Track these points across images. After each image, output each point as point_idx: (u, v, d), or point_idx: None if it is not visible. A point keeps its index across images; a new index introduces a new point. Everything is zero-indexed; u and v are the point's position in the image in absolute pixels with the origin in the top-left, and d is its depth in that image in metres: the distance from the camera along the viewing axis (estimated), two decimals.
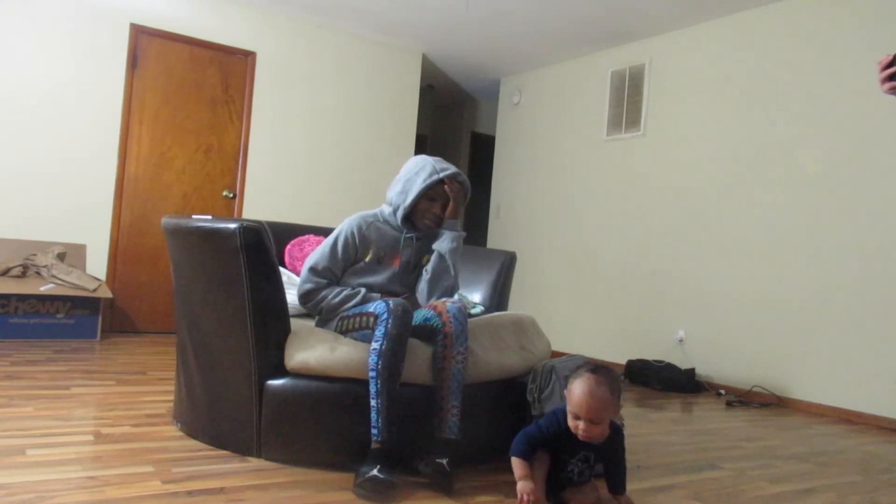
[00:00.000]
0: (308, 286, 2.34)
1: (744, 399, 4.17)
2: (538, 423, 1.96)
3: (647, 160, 5.16)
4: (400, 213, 2.37)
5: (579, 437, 1.85)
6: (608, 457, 1.96)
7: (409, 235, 2.41)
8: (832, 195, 4.03)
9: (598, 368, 1.89)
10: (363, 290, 2.32)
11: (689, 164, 4.86)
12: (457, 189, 2.39)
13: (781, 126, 4.31)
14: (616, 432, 1.96)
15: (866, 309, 3.82)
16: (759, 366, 4.29)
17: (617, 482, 1.96)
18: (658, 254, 5.01)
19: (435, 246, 2.40)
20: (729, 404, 4.01)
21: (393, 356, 2.05)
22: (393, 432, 2.04)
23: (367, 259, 2.38)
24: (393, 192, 2.41)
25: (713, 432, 3.22)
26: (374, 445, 2.03)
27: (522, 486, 1.83)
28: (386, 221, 2.42)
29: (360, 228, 2.37)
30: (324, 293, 2.32)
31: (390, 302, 2.12)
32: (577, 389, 1.84)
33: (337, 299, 2.30)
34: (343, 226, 2.39)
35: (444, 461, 2.04)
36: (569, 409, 1.88)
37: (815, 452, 2.96)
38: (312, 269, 2.35)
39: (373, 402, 2.05)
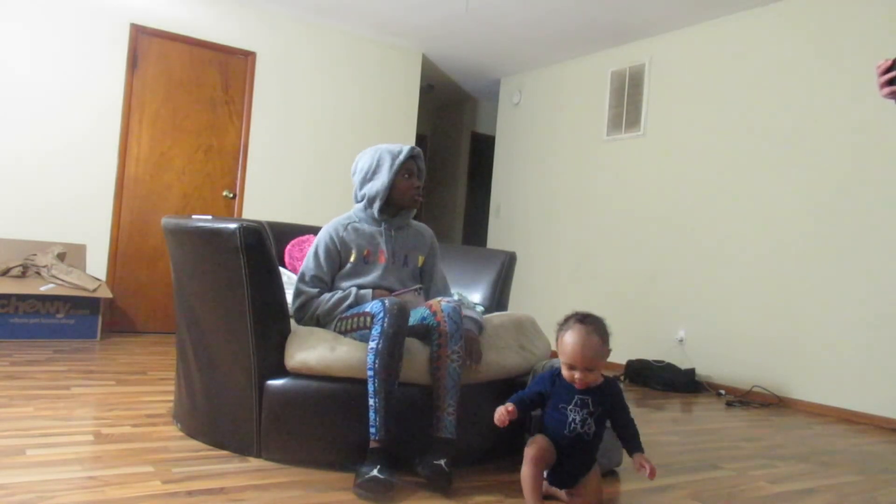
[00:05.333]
0: (300, 300, 2.35)
1: (744, 399, 4.17)
2: (530, 384, 2.04)
3: (647, 160, 5.16)
4: (378, 204, 2.38)
5: (577, 387, 1.90)
6: (608, 407, 1.95)
7: (388, 227, 2.43)
8: (832, 195, 4.03)
9: (585, 318, 1.92)
10: (354, 290, 2.33)
11: (689, 165, 4.86)
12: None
13: (782, 126, 4.31)
14: (611, 381, 1.97)
15: (866, 309, 3.82)
16: (759, 366, 4.29)
17: (631, 442, 1.95)
18: (658, 254, 5.01)
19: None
20: (729, 404, 4.01)
21: (390, 355, 2.06)
22: (392, 431, 2.04)
23: (353, 260, 2.39)
24: (363, 189, 2.43)
25: (713, 432, 3.22)
26: (372, 445, 2.03)
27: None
28: (362, 220, 2.45)
29: (336, 232, 2.40)
30: (316, 302, 2.33)
31: (386, 301, 2.13)
32: (570, 339, 1.88)
33: (330, 303, 2.32)
34: (320, 234, 2.42)
35: (443, 461, 2.04)
36: (562, 360, 1.91)
37: (815, 452, 2.96)
38: (301, 281, 2.37)
39: (371, 402, 2.05)
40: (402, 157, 2.38)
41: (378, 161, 2.40)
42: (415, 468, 2.07)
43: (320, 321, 2.35)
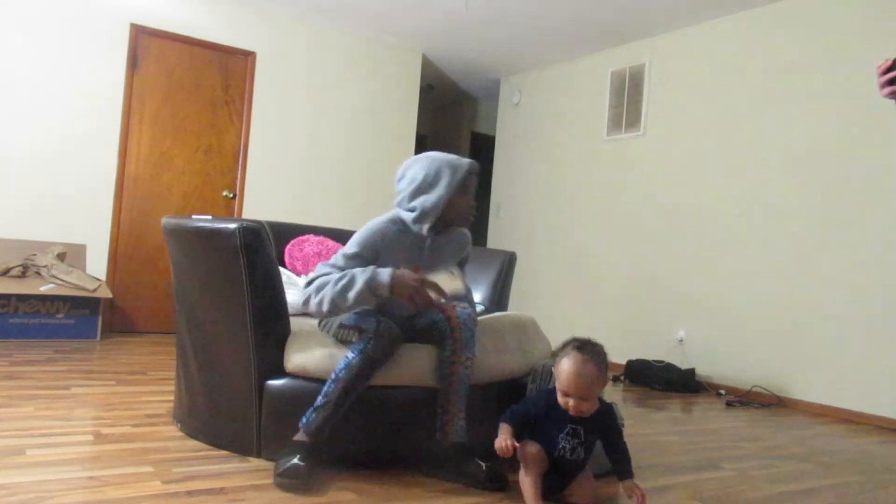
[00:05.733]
0: (310, 278, 2.16)
1: (744, 399, 4.17)
2: (525, 399, 2.02)
3: (647, 160, 5.16)
4: (430, 221, 2.22)
5: (571, 413, 1.88)
6: (601, 433, 1.95)
7: (432, 242, 2.30)
8: (833, 195, 4.03)
9: (583, 345, 1.91)
10: (372, 267, 2.11)
11: (689, 165, 4.86)
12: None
13: (782, 126, 4.31)
14: (606, 409, 1.97)
15: (867, 309, 3.82)
16: (759, 366, 4.29)
17: (621, 467, 1.94)
18: (658, 254, 5.01)
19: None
20: (729, 404, 4.01)
21: (357, 376, 2.04)
22: (325, 436, 2.05)
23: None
24: (415, 201, 2.22)
25: (713, 432, 3.22)
26: (299, 437, 2.03)
27: (501, 436, 1.88)
28: (407, 229, 2.27)
29: (384, 235, 2.23)
30: (325, 279, 2.09)
31: (382, 324, 2.08)
32: (565, 367, 1.87)
33: (339, 286, 2.06)
34: (363, 233, 2.23)
35: (481, 463, 2.04)
36: (558, 386, 1.90)
37: (815, 452, 2.96)
38: (322, 265, 2.18)
39: (320, 399, 2.04)
40: (463, 171, 2.22)
41: (437, 172, 2.21)
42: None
43: (324, 307, 2.08)
